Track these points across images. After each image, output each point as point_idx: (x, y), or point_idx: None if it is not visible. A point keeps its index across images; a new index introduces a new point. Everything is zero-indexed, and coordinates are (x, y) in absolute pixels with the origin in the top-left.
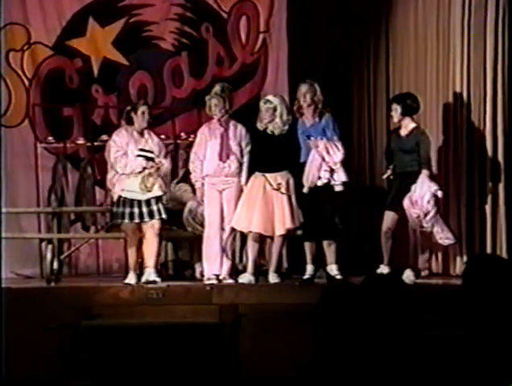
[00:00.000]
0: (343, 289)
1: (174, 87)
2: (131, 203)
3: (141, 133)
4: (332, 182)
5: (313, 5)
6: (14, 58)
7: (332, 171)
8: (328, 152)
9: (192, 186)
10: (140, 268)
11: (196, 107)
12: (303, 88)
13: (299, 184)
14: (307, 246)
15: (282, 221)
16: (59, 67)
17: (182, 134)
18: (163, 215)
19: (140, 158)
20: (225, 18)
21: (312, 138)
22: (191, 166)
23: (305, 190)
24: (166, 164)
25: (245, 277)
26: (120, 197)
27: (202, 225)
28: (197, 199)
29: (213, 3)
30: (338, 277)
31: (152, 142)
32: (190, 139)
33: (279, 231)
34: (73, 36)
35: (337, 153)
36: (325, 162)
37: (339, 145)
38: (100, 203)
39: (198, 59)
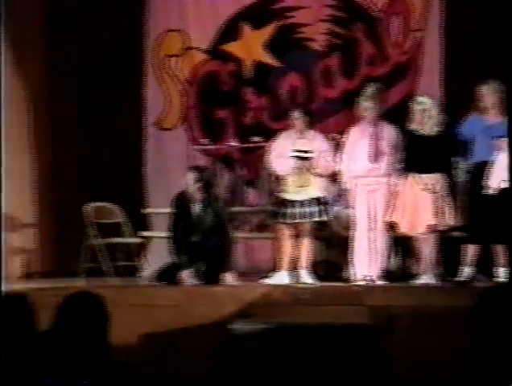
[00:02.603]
0: (505, 291)
1: (325, 87)
2: (290, 203)
3: (301, 135)
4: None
5: (470, 1)
6: (172, 63)
7: None
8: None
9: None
10: (291, 269)
11: (346, 107)
12: (489, 88)
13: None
14: (470, 248)
15: (425, 219)
16: (213, 70)
17: (332, 135)
18: (323, 217)
19: (294, 158)
20: (377, 17)
21: (498, 138)
22: (342, 167)
23: (490, 191)
24: (324, 164)
25: (423, 279)
26: (279, 198)
27: (347, 229)
28: (345, 200)
29: (365, 3)
30: (502, 279)
31: (314, 142)
32: (340, 140)
33: (436, 233)
34: (227, 40)
35: None
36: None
37: None
38: (251, 203)
39: (349, 60)
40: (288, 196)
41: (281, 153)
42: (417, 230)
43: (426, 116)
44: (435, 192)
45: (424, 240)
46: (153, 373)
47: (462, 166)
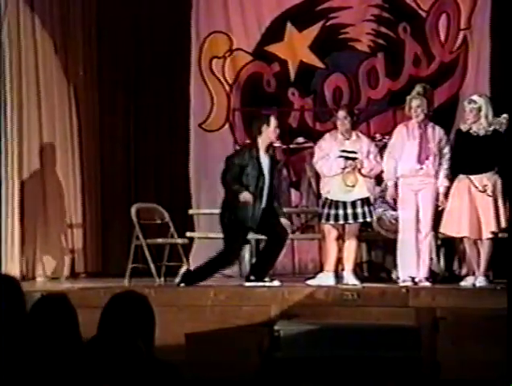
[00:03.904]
0: None
1: (369, 88)
2: (336, 204)
3: (347, 136)
4: None
5: None
6: (217, 65)
7: None
8: None
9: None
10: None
11: (391, 108)
12: None
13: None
14: None
15: (488, 225)
16: (257, 72)
17: (377, 135)
18: (368, 218)
19: (340, 159)
20: (423, 16)
21: None
22: (384, 165)
23: None
24: (369, 165)
25: (478, 280)
26: (326, 199)
27: (390, 231)
28: (386, 198)
29: (412, 2)
30: None
31: (360, 143)
32: (385, 140)
33: (486, 235)
34: (272, 41)
35: None
36: None
37: None
38: (295, 204)
39: (394, 60)
40: (335, 197)
41: (328, 154)
42: (480, 236)
43: (479, 115)
44: (491, 195)
45: (480, 244)
46: (198, 374)
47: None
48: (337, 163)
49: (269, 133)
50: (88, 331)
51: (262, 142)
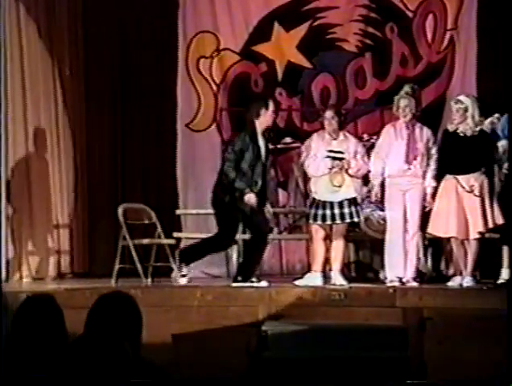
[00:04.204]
0: None
1: (356, 88)
2: (323, 204)
3: (334, 136)
4: None
5: (504, 1)
6: (204, 65)
7: None
8: None
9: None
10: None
11: (378, 108)
12: None
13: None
14: (506, 250)
15: (475, 225)
16: (245, 72)
17: (364, 135)
18: (355, 219)
19: (327, 159)
20: (410, 17)
21: None
22: (371, 164)
23: None
24: (356, 165)
25: (465, 281)
26: (313, 199)
27: (377, 231)
28: (376, 202)
29: (399, 2)
30: None
31: (347, 143)
32: (372, 140)
33: (473, 235)
34: (259, 41)
35: None
36: None
37: None
38: (283, 204)
39: (381, 60)
40: (322, 197)
41: (315, 154)
42: (467, 236)
43: (465, 115)
44: (478, 195)
45: (467, 244)
46: (185, 374)
47: (500, 166)
48: (324, 163)
49: (267, 117)
50: (75, 332)
51: (259, 125)
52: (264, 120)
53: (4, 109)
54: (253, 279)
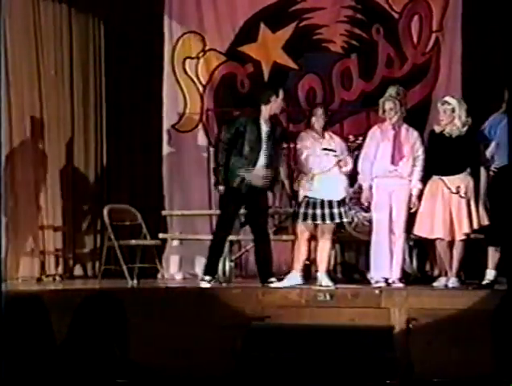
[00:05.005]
0: None
1: (342, 89)
2: (314, 204)
3: (321, 135)
4: None
5: (489, 3)
6: (190, 65)
7: None
8: None
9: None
10: (306, 271)
11: (364, 109)
12: None
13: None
14: (491, 251)
15: (461, 226)
16: (231, 72)
17: (350, 137)
18: (344, 219)
19: (331, 155)
20: (396, 18)
21: None
22: (359, 167)
23: None
24: (343, 165)
25: (450, 281)
26: (304, 198)
27: (362, 233)
28: (362, 200)
29: (384, 4)
30: None
31: (334, 142)
32: (358, 141)
33: (459, 236)
34: (245, 42)
35: None
36: None
37: None
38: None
39: (367, 61)
40: (314, 195)
41: (312, 153)
42: (453, 237)
43: (452, 116)
44: (464, 196)
45: (452, 245)
46: (171, 375)
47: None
48: (327, 159)
49: (276, 104)
50: (61, 333)
51: (265, 111)
52: (273, 106)
53: None
54: (273, 279)
